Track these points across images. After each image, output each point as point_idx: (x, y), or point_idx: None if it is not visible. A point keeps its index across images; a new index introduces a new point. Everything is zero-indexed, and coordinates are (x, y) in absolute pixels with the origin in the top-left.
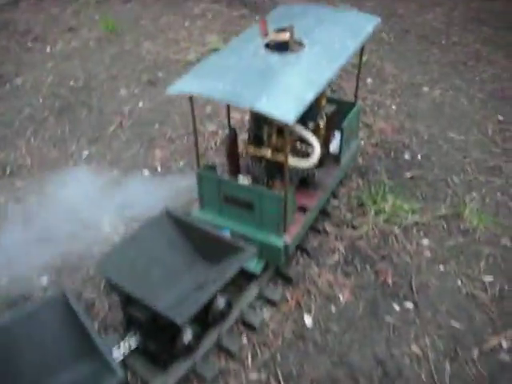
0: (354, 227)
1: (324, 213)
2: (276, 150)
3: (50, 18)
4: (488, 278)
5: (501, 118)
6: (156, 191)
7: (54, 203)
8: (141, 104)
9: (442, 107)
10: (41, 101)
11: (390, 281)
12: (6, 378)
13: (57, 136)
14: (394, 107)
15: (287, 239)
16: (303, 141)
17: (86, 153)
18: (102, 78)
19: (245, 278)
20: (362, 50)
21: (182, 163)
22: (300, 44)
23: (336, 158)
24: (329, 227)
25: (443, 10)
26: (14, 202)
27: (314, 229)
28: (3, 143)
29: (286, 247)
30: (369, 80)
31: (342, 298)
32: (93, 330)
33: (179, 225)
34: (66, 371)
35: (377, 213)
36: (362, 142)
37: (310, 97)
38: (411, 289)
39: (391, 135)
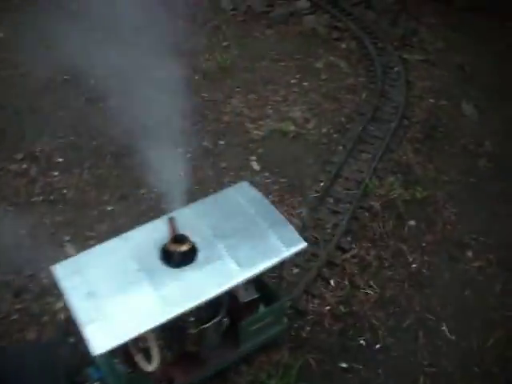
0: None
1: None
2: None
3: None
4: None
5: None
6: None
7: None
8: None
9: (464, 288)
10: (112, 134)
11: None
12: None
13: (103, 178)
14: (414, 266)
15: None
16: None
17: (109, 208)
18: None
19: None
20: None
21: None
22: (193, 256)
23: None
24: None
25: None
26: None
27: None
28: (64, 167)
29: None
30: (411, 222)
31: None
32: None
33: None
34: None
35: None
36: (327, 308)
37: (132, 335)
38: None
39: (371, 307)
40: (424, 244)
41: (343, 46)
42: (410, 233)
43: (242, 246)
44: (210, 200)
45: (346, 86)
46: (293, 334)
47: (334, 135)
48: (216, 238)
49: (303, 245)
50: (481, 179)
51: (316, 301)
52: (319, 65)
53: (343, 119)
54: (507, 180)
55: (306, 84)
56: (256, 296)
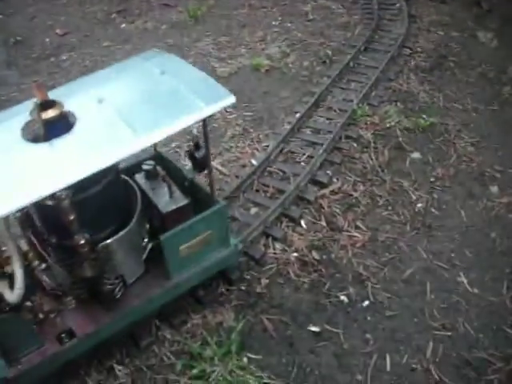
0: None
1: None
2: None
3: None
4: None
5: None
6: None
7: None
8: None
9: (490, 229)
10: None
11: None
12: None
13: None
14: (419, 205)
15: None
16: None
17: None
18: None
19: None
20: (205, 128)
21: None
22: (67, 125)
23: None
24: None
25: None
26: None
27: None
28: None
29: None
30: (415, 155)
31: None
32: None
33: None
34: None
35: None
36: (295, 255)
37: None
38: None
39: (357, 254)
40: (432, 179)
41: None
42: (413, 167)
43: (142, 109)
44: (105, 70)
45: (337, 24)
46: (243, 288)
47: (318, 68)
48: (104, 104)
49: (230, 98)
50: (504, 107)
51: (279, 245)
52: (307, 8)
53: (329, 52)
54: None
55: (289, 25)
56: (184, 203)
